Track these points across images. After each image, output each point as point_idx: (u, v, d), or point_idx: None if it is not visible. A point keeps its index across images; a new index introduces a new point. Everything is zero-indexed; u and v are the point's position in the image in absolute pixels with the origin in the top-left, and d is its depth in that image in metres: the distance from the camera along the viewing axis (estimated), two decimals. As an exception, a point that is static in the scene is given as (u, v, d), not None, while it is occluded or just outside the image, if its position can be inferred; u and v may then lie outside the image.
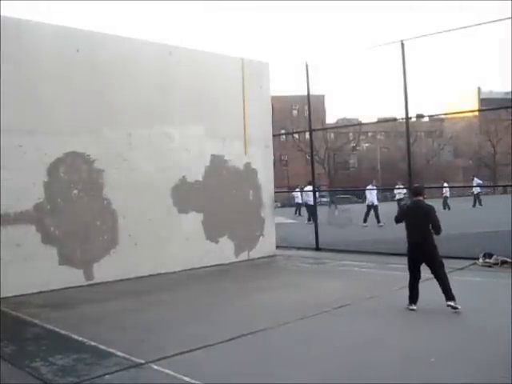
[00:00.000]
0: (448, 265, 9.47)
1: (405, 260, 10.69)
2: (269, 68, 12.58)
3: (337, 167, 59.57)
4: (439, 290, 6.55)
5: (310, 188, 21.25)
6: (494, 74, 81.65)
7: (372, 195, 19.20)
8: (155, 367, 4.77)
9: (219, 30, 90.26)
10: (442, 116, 62.55)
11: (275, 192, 13.04)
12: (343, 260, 11.19)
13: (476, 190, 27.80)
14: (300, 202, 24.59)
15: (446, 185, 29.07)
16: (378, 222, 18.53)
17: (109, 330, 6.18)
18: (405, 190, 20.72)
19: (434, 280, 6.77)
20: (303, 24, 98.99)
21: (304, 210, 22.93)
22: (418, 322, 6.10)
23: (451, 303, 6.30)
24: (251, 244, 11.81)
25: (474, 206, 26.99)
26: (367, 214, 18.99)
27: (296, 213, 25.53)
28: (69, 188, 8.97)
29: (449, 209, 25.42)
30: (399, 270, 9.55)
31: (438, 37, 11.85)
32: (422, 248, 6.60)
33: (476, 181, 28.85)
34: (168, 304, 7.48)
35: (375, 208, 18.90)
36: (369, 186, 20.71)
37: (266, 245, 12.08)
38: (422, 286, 6.76)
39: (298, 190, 25.22)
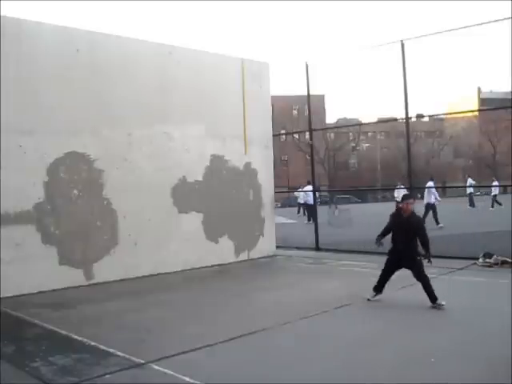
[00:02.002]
0: (448, 265, 9.55)
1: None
2: (269, 68, 12.58)
3: (337, 167, 59.63)
4: (439, 290, 6.55)
5: (308, 188, 21.43)
6: (494, 73, 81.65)
7: (430, 194, 17.82)
8: (155, 367, 4.76)
9: (219, 29, 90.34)
10: (442, 116, 62.64)
11: (275, 192, 13.04)
12: (343, 260, 11.19)
13: (469, 190, 27.70)
14: (302, 202, 24.59)
15: (496, 183, 28.20)
16: (436, 223, 17.13)
17: (109, 329, 6.18)
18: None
19: (435, 280, 6.80)
20: (303, 24, 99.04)
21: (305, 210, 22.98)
22: (418, 322, 6.10)
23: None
24: (251, 244, 11.81)
25: (471, 205, 26.93)
26: (435, 215, 17.53)
27: (298, 212, 25.55)
28: (69, 188, 8.97)
29: (492, 206, 25.33)
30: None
31: (439, 37, 11.92)
32: None
33: (469, 181, 28.73)
34: (168, 304, 7.48)
35: (432, 208, 17.58)
36: (429, 183, 19.31)
37: (265, 245, 12.07)
38: (421, 285, 6.76)
39: (300, 189, 25.25)
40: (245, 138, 11.77)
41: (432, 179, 20.00)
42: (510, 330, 5.30)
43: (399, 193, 20.99)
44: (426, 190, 18.22)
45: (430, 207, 17.45)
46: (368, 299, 7.02)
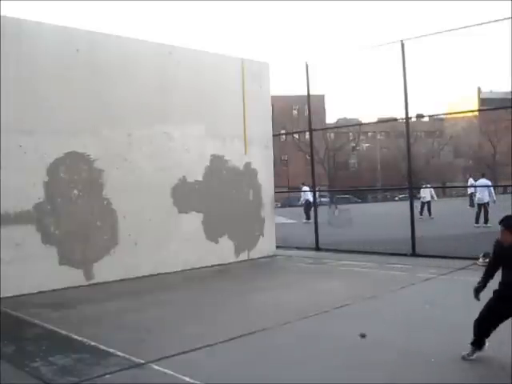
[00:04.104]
0: (448, 265, 9.55)
1: (404, 259, 10.71)
2: (269, 68, 12.58)
3: (337, 167, 59.61)
4: (439, 290, 6.53)
5: (304, 188, 21.59)
6: (494, 73, 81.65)
7: (483, 193, 17.01)
8: (155, 367, 4.76)
9: (219, 29, 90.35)
10: (442, 116, 62.60)
11: (275, 192, 13.04)
12: (343, 260, 11.19)
13: (470, 190, 27.56)
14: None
15: None
16: (485, 222, 16.56)
17: (109, 330, 6.18)
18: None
19: (435, 280, 6.77)
20: (303, 24, 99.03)
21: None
22: (418, 323, 6.09)
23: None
24: (251, 244, 11.80)
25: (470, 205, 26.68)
26: (478, 215, 17.02)
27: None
28: (69, 188, 8.97)
29: None
30: (399, 269, 9.57)
31: (439, 37, 11.90)
32: None
33: (480, 181, 28.42)
34: (168, 304, 7.48)
35: (485, 207, 16.86)
36: (482, 181, 18.55)
37: (265, 245, 12.07)
38: (421, 285, 6.75)
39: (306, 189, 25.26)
40: (245, 138, 11.77)
41: (484, 176, 19.63)
42: (510, 330, 5.29)
43: (425, 193, 21.36)
44: (479, 188, 17.52)
45: (483, 206, 16.82)
46: (463, 357, 4.77)
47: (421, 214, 20.28)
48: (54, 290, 8.44)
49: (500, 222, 4.94)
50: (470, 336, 4.86)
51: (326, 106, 53.39)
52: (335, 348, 5.22)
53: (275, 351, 5.17)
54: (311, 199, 17.98)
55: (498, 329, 4.66)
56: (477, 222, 16.91)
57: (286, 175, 47.10)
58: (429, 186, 23.85)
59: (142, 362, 4.89)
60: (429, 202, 21.24)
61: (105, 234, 9.36)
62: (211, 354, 5.15)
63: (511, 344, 4.84)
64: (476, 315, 5.87)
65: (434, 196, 22.21)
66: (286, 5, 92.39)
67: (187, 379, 4.42)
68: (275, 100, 16.58)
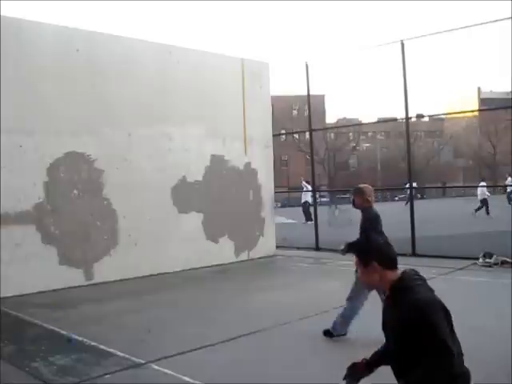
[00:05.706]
0: (448, 265, 9.55)
1: (404, 259, 10.68)
2: (269, 68, 12.59)
3: (337, 167, 59.57)
4: (439, 290, 6.52)
5: (306, 186, 21.53)
6: (494, 74, 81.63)
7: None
8: (155, 367, 4.77)
9: (219, 29, 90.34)
10: (442, 116, 62.59)
11: (275, 192, 13.04)
12: (343, 260, 11.14)
13: (510, 189, 27.64)
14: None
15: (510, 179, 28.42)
16: None
17: (109, 329, 6.18)
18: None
19: (435, 280, 6.77)
20: (303, 24, 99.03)
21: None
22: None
23: None
24: (251, 244, 11.80)
25: (510, 203, 26.61)
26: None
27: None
28: (69, 188, 8.98)
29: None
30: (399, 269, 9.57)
31: (439, 37, 11.91)
32: None
33: (510, 180, 28.42)
34: (168, 304, 7.48)
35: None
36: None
37: (266, 245, 12.07)
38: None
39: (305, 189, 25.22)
40: (245, 138, 11.77)
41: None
42: (509, 330, 5.29)
43: (483, 193, 20.72)
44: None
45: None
46: None
47: (487, 212, 20.12)
48: (54, 290, 8.44)
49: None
50: (470, 336, 4.83)
51: (326, 106, 53.31)
52: (335, 348, 5.23)
53: (275, 351, 5.17)
54: (310, 200, 17.96)
55: (497, 327, 4.64)
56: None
57: (286, 175, 47.08)
58: (484, 183, 24.54)
59: (142, 361, 4.89)
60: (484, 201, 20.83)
61: (105, 234, 9.36)
62: (211, 353, 5.15)
63: (510, 344, 4.84)
64: (476, 315, 5.86)
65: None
66: (286, 5, 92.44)
67: (187, 379, 4.42)
68: (275, 100, 16.61)
